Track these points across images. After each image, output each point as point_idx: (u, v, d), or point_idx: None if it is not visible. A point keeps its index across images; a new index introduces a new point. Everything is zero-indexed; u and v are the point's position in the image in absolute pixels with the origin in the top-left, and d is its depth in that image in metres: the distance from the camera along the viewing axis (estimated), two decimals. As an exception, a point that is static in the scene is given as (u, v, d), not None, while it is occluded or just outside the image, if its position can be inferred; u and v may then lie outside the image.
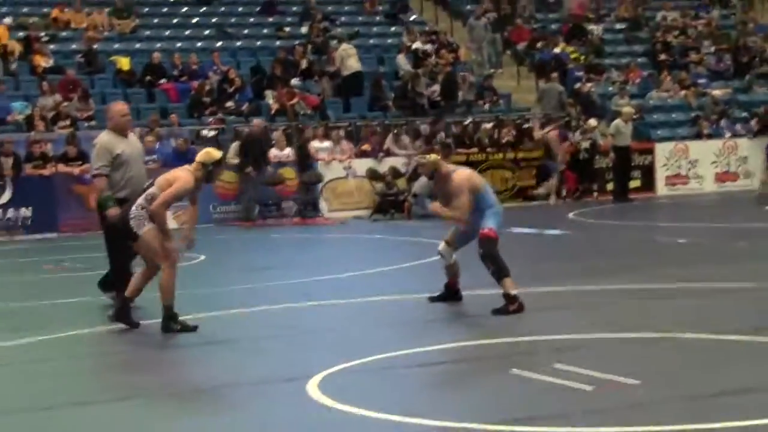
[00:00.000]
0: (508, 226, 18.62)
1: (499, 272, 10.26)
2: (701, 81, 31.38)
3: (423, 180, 10.86)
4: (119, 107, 11.74)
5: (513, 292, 10.19)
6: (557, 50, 31.39)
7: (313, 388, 7.50)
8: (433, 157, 10.54)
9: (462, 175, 10.44)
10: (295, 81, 27.27)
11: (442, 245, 10.75)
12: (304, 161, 23.86)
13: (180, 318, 10.05)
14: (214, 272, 15.02)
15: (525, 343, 8.91)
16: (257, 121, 24.77)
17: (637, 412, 6.51)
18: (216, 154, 10.24)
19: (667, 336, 8.83)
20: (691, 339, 8.73)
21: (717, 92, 30.38)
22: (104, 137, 11.50)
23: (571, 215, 21.88)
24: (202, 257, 16.64)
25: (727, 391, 6.91)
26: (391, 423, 6.55)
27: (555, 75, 29.07)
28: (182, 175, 10.03)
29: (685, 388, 7.03)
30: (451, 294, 10.92)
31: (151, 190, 10.02)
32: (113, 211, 11.01)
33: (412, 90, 27.63)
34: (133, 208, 10.00)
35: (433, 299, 10.90)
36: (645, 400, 6.75)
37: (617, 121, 25.60)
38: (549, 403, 6.87)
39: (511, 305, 10.14)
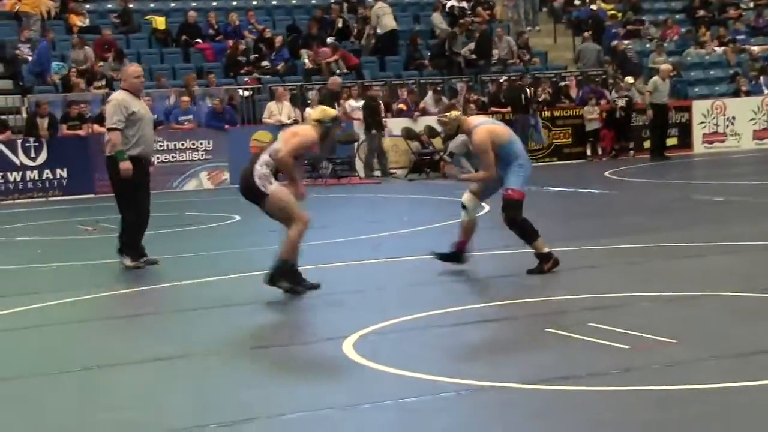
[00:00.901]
0: (544, 185, 18.63)
1: (527, 237, 10.14)
2: (740, 37, 31.04)
3: (459, 139, 10.68)
4: (133, 68, 12.23)
5: (546, 250, 10.11)
6: (594, 7, 31.14)
7: (348, 347, 7.51)
8: (453, 113, 10.28)
9: (482, 131, 10.09)
10: (330, 40, 27.19)
11: (466, 195, 10.44)
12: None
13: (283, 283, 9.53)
14: (249, 232, 15.04)
15: (560, 302, 8.88)
16: (334, 79, 24.74)
17: (675, 371, 6.48)
18: (332, 111, 9.92)
19: (704, 294, 8.78)
20: (728, 297, 8.67)
21: (756, 49, 30.06)
22: (120, 95, 11.89)
23: (607, 173, 21.77)
24: (237, 217, 16.69)
25: (765, 350, 6.86)
26: (427, 382, 6.55)
27: (589, 33, 28.85)
28: (306, 128, 9.73)
29: (723, 347, 6.99)
30: (457, 256, 10.52)
31: (274, 145, 9.56)
32: (125, 165, 11.46)
33: (449, 48, 27.49)
34: (257, 166, 9.45)
35: (439, 257, 10.54)
36: (682, 359, 6.72)
37: (655, 78, 25.37)
38: (585, 362, 6.84)
39: (546, 264, 10.06)
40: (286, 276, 9.44)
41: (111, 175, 11.78)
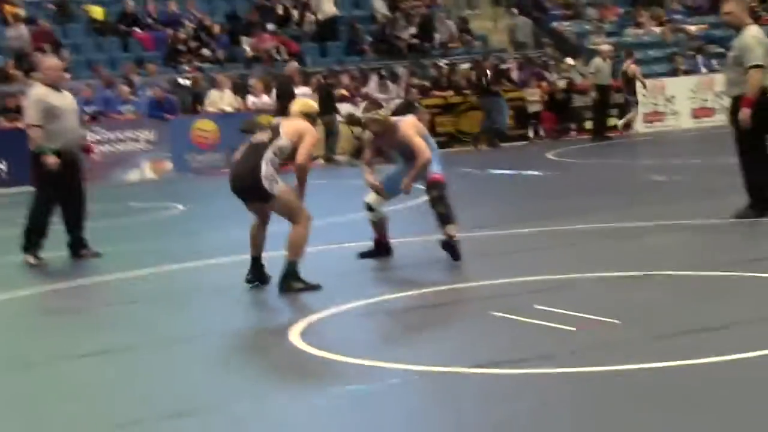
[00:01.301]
0: (487, 168, 18.68)
1: (449, 217, 10.02)
2: (677, 17, 31.29)
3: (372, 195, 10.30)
4: (52, 62, 12.28)
5: (455, 235, 10.02)
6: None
7: (295, 336, 7.51)
8: (383, 111, 10.21)
9: (407, 122, 10.18)
10: (271, 27, 27.10)
11: (371, 195, 10.33)
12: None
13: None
14: (194, 222, 14.97)
15: (504, 285, 8.90)
16: (291, 65, 24.64)
17: (619, 351, 6.53)
18: (314, 103, 9.74)
19: (647, 274, 8.85)
20: (670, 276, 8.75)
21: (693, 28, 30.31)
22: (39, 90, 11.84)
23: (549, 155, 21.88)
24: (181, 207, 16.62)
25: (708, 327, 6.93)
26: (374, 368, 6.56)
27: (520, 9, 29.12)
28: (307, 124, 9.24)
29: (666, 326, 7.05)
30: (381, 250, 10.51)
31: (280, 142, 9.04)
32: (50, 159, 11.47)
33: (390, 33, 27.49)
34: (263, 165, 8.94)
35: (363, 255, 10.47)
36: (625, 339, 6.77)
37: (596, 60, 25.53)
38: (531, 345, 6.88)
39: (457, 246, 9.98)
40: (296, 277, 9.01)
41: (34, 170, 11.75)
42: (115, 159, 22.93)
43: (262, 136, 9.11)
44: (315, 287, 8.99)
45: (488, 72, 25.48)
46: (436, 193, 10.06)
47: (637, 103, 25.96)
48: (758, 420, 5.09)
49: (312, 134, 9.17)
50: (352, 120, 23.96)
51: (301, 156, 9.06)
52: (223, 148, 23.64)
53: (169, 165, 23.44)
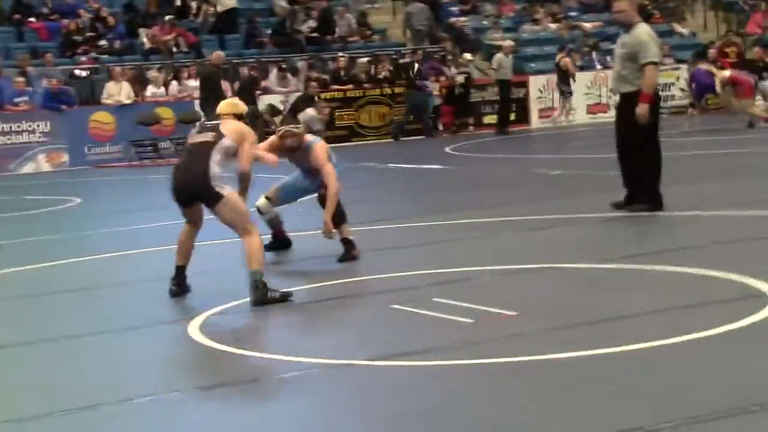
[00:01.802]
0: (386, 162, 18.73)
1: (342, 217, 10.02)
2: (572, 14, 31.69)
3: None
4: None
5: (351, 237, 10.04)
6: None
7: (194, 329, 7.49)
8: (300, 126, 10.35)
9: (320, 146, 10.11)
10: (169, 18, 26.87)
11: (261, 200, 10.39)
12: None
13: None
14: (89, 215, 14.82)
15: (404, 278, 8.95)
16: (217, 54, 24.35)
17: (517, 343, 6.63)
18: (242, 103, 9.37)
19: (544, 267, 8.97)
20: (567, 269, 8.88)
21: (588, 25, 30.70)
22: None
23: (447, 149, 22.03)
24: (78, 200, 16.43)
25: (604, 319, 7.06)
26: (275, 361, 6.58)
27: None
28: (246, 127, 8.87)
29: (563, 318, 7.16)
30: (280, 243, 10.60)
31: (225, 143, 8.55)
32: None
33: (290, 27, 27.44)
34: (212, 166, 8.46)
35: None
36: (523, 331, 6.87)
37: (498, 55, 25.77)
38: (430, 337, 6.95)
39: (354, 249, 9.97)
40: (266, 287, 8.30)
41: None
42: (10, 151, 22.59)
43: (204, 137, 8.63)
44: (288, 295, 8.33)
45: (416, 66, 25.60)
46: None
47: (570, 94, 26.38)
48: (654, 406, 5.20)
49: (252, 137, 8.86)
50: (274, 111, 23.81)
51: (244, 161, 8.68)
52: (120, 141, 23.44)
53: (65, 157, 23.13)
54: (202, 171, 8.43)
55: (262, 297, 8.18)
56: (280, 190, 10.50)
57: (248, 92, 22.91)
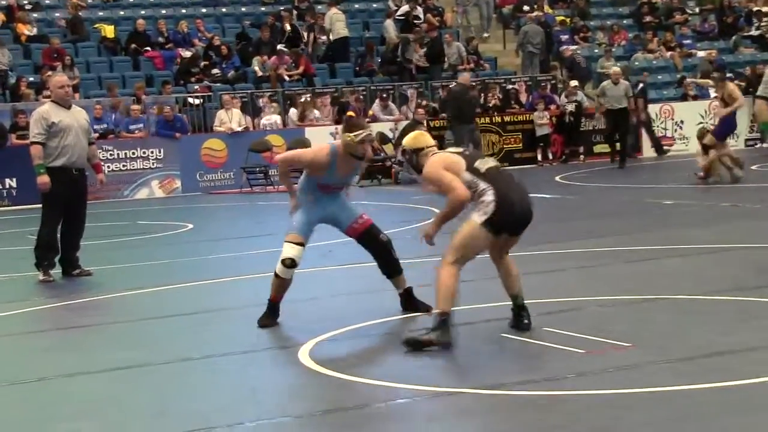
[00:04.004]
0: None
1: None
2: (687, 42, 31.35)
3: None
4: (57, 79, 12.17)
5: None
6: (540, 13, 31.32)
7: (304, 355, 7.51)
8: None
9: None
10: (280, 47, 27.18)
11: (296, 250, 8.74)
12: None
13: None
14: (201, 241, 14.99)
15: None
16: (464, 76, 24.92)
17: (630, 375, 6.53)
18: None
19: (657, 297, 8.85)
20: (680, 300, 8.75)
21: (702, 53, 30.34)
22: (43, 107, 11.97)
23: (558, 178, 21.89)
24: (190, 226, 16.64)
25: (719, 352, 6.93)
26: (383, 388, 6.57)
27: (534, 15, 29.08)
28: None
29: (677, 350, 7.05)
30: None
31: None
32: (42, 179, 11.52)
33: (401, 55, 27.58)
34: None
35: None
36: (636, 363, 6.77)
37: (604, 83, 25.24)
38: (540, 367, 6.89)
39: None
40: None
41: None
42: (124, 177, 23.00)
43: (494, 162, 8.15)
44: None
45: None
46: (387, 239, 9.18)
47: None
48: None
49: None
50: (383, 139, 23.89)
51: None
52: (232, 167, 23.73)
53: (178, 183, 23.49)
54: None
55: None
56: (306, 229, 8.95)
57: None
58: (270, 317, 8.77)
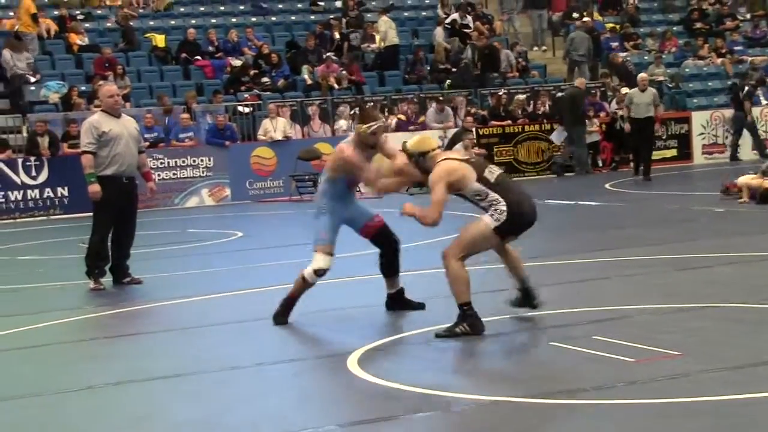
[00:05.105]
0: (545, 198, 18.61)
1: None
2: (737, 48, 31.12)
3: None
4: (106, 88, 12.28)
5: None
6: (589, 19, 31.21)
7: (353, 363, 7.52)
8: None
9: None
10: (330, 55, 27.26)
11: (327, 260, 9.08)
12: None
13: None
14: (250, 249, 15.05)
15: (563, 315, 8.86)
16: (580, 80, 25.61)
17: (679, 384, 6.49)
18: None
19: (707, 306, 8.79)
20: (731, 308, 8.68)
21: (754, 60, 30.10)
22: (94, 116, 12.06)
23: (607, 185, 21.80)
24: (240, 234, 16.72)
25: (770, 361, 6.88)
26: (432, 397, 6.56)
27: (582, 22, 28.97)
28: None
29: (728, 359, 6.99)
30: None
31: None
32: (93, 188, 11.62)
33: (450, 63, 27.57)
34: None
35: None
36: (687, 371, 6.72)
37: (632, 91, 23.85)
38: (589, 376, 6.85)
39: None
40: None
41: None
42: (174, 185, 23.15)
43: (498, 171, 8.43)
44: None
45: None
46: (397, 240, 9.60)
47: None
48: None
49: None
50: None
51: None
52: (281, 176, 23.81)
53: (227, 192, 23.61)
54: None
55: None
56: (334, 236, 9.23)
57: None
58: (285, 315, 9.20)
